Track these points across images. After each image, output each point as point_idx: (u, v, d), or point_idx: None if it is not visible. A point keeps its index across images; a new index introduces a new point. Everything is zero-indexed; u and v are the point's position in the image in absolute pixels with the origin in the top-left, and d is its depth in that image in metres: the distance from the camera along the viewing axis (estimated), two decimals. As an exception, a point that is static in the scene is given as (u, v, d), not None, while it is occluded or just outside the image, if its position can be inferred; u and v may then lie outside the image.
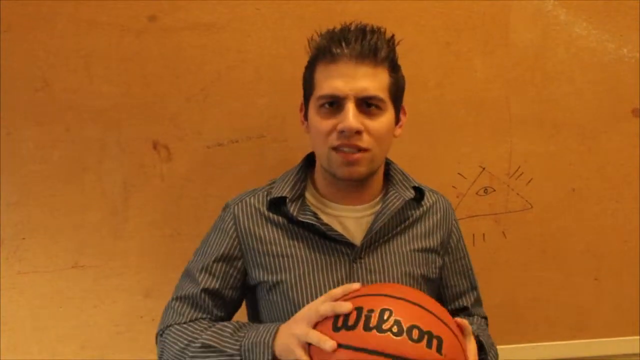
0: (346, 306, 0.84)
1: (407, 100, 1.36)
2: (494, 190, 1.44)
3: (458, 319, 0.93)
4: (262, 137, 1.38)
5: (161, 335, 1.06)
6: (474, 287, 1.22)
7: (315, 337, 0.84)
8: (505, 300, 1.45)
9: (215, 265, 1.07)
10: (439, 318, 0.86)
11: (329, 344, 0.81)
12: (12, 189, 1.35)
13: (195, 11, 1.33)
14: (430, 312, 0.86)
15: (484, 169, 1.43)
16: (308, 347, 0.86)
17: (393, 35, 1.03)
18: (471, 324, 1.05)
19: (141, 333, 1.43)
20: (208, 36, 1.34)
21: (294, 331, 0.89)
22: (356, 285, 0.90)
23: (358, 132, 0.97)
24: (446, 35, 1.38)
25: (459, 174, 1.43)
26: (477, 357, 0.96)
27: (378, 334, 0.80)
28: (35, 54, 1.33)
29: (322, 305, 0.87)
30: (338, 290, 0.90)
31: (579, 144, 1.44)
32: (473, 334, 0.99)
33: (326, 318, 0.86)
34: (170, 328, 1.04)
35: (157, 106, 1.35)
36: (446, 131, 1.41)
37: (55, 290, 1.40)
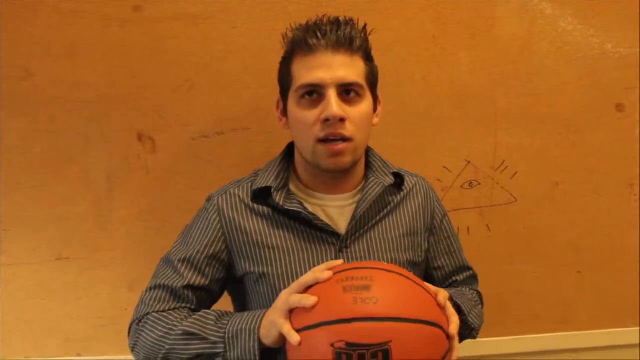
0: (312, 299, 0.84)
1: (393, 93, 1.37)
2: (479, 184, 1.45)
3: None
4: (247, 129, 1.38)
5: (138, 323, 1.04)
6: (465, 268, 1.23)
7: (285, 329, 0.86)
8: (489, 293, 1.44)
9: (199, 257, 1.05)
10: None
11: (294, 339, 0.84)
12: (-5, 180, 1.34)
13: (180, 1, 1.32)
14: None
15: (469, 162, 1.44)
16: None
17: (365, 25, 1.04)
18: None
19: (125, 326, 1.38)
20: (193, 27, 1.33)
21: (273, 319, 0.90)
22: (334, 265, 0.91)
23: (342, 120, 0.98)
24: (432, 28, 1.38)
25: (444, 167, 1.44)
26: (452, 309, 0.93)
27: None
28: (19, 43, 1.31)
29: (291, 297, 0.88)
30: (307, 278, 0.90)
31: (563, 138, 1.45)
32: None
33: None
34: (148, 316, 1.02)
35: (141, 97, 1.35)
36: (431, 124, 1.42)
37: (38, 282, 1.40)
